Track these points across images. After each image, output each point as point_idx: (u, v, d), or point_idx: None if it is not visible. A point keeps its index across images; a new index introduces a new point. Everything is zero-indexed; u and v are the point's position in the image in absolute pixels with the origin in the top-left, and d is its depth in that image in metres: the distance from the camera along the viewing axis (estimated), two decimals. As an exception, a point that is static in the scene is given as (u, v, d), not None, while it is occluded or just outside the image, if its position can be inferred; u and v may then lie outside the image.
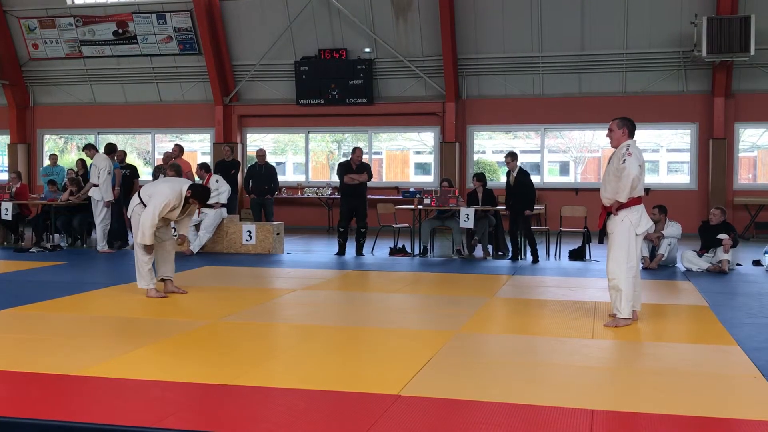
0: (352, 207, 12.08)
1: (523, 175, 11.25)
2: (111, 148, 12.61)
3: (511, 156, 11.30)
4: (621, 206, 6.39)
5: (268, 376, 4.79)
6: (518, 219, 11.22)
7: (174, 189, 7.64)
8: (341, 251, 12.00)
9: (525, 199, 11.16)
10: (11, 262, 10.69)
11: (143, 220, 7.50)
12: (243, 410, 4.05)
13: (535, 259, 11.18)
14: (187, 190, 7.64)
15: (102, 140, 18.22)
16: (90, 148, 12.85)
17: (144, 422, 3.82)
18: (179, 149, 13.97)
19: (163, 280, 7.94)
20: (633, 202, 6.40)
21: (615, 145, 6.54)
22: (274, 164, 15.02)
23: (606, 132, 6.65)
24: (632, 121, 6.59)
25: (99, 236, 12.04)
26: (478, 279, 9.47)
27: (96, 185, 11.93)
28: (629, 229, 6.41)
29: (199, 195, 7.69)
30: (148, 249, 7.66)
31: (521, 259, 11.37)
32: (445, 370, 4.94)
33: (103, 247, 11.97)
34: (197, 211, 8.39)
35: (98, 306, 7.42)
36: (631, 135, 6.50)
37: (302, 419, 3.93)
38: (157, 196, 7.55)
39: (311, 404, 4.21)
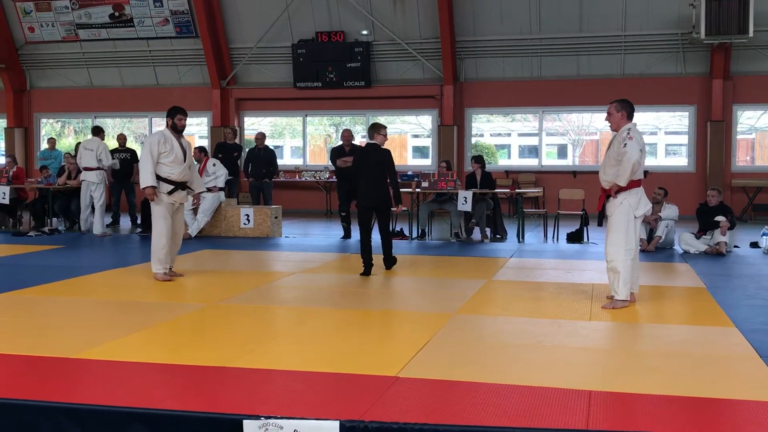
0: (348, 190, 12.02)
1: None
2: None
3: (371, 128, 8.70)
4: (620, 189, 6.40)
5: (266, 358, 4.80)
6: None
7: (154, 134, 7.87)
8: (347, 235, 11.98)
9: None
10: (9, 246, 10.69)
11: (141, 165, 7.72)
12: (241, 392, 4.06)
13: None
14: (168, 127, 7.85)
15: (100, 124, 18.13)
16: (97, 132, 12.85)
17: (143, 404, 3.82)
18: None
19: None
20: (632, 185, 6.40)
21: (615, 128, 6.52)
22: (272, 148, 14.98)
23: (605, 116, 6.63)
24: (631, 103, 6.55)
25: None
26: (476, 261, 9.48)
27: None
28: (628, 211, 6.41)
29: (172, 110, 7.80)
30: (150, 192, 7.62)
31: (520, 241, 11.39)
32: (443, 352, 4.96)
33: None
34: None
35: (96, 289, 7.43)
36: (630, 117, 6.48)
37: (301, 401, 3.94)
38: (144, 148, 7.78)
39: (310, 386, 4.22)
